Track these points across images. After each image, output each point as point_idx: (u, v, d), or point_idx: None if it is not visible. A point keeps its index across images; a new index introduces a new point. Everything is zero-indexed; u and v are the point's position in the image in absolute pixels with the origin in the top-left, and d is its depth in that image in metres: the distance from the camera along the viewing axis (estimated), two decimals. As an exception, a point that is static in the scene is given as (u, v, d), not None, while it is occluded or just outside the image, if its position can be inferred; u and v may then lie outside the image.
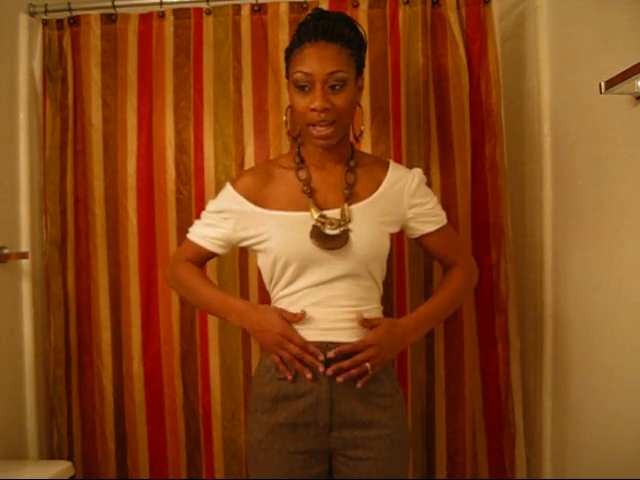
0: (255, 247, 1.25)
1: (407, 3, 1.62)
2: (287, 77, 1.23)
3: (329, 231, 1.18)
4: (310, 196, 1.22)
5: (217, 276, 1.68)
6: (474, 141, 1.63)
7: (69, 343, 1.76)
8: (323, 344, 1.18)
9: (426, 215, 1.29)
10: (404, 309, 1.64)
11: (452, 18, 1.61)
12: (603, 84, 1.12)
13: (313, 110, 1.14)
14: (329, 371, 1.14)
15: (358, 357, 1.15)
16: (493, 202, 1.64)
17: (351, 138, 1.29)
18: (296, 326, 1.20)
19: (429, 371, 1.67)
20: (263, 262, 1.25)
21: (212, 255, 1.31)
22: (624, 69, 1.04)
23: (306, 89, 1.15)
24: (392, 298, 1.63)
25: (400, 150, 1.63)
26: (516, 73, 1.75)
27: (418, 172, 1.29)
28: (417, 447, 1.67)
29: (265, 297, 1.60)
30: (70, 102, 1.74)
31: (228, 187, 1.27)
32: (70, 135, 1.75)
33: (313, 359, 1.16)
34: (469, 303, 1.64)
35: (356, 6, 1.63)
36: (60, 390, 1.75)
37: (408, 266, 1.64)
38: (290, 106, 1.23)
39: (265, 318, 1.20)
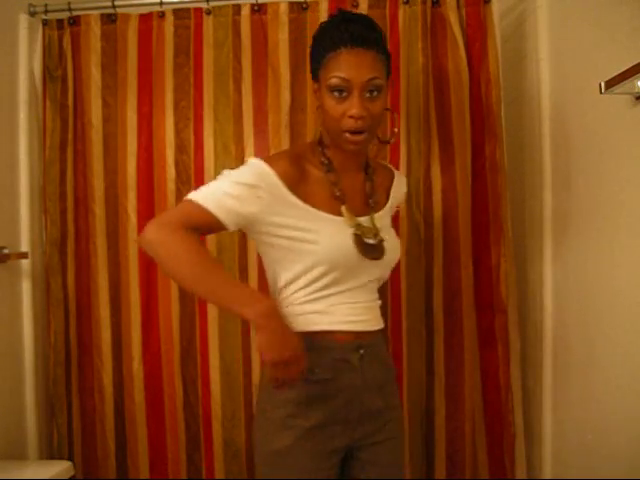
0: (278, 240, 1.14)
1: (407, 3, 1.62)
2: (315, 79, 1.20)
3: (369, 240, 1.16)
4: (343, 202, 1.18)
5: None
6: (474, 141, 1.63)
7: (69, 343, 1.76)
8: (349, 333, 1.17)
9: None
10: (399, 305, 1.64)
11: (452, 18, 1.61)
12: (603, 84, 1.12)
13: (351, 117, 1.12)
14: None
15: None
16: (493, 202, 1.64)
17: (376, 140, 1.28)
18: (321, 317, 1.16)
19: (429, 371, 1.67)
20: (287, 259, 1.15)
21: (219, 231, 1.13)
22: (624, 69, 1.05)
23: (343, 95, 1.13)
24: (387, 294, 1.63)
25: (400, 150, 1.63)
26: (516, 73, 1.75)
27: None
28: (417, 447, 1.67)
29: (265, 297, 1.61)
30: (70, 102, 1.74)
31: (261, 164, 1.12)
32: (70, 135, 1.75)
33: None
34: (469, 303, 1.64)
35: (356, 6, 1.63)
36: (60, 390, 1.75)
37: (407, 265, 1.64)
38: (319, 107, 1.19)
39: (287, 333, 1.08)
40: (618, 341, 1.27)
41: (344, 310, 1.17)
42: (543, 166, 1.60)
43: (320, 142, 1.23)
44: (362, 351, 1.17)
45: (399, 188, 1.33)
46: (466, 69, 1.61)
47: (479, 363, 1.66)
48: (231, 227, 1.11)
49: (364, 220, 1.19)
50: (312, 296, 1.16)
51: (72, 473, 1.60)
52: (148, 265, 1.72)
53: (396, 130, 1.30)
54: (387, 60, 1.18)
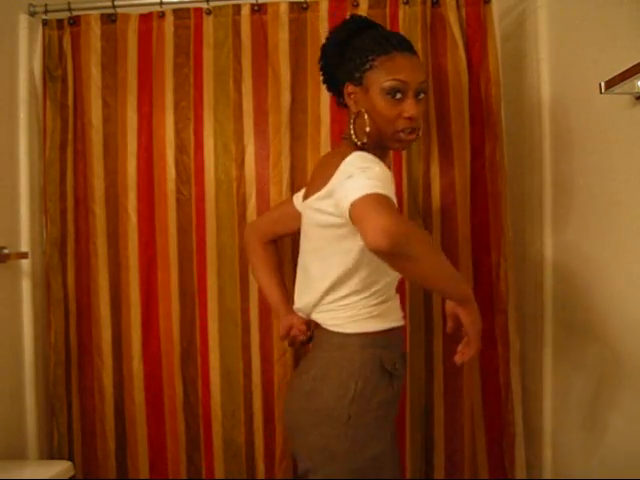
0: None
1: (407, 3, 1.62)
2: (356, 82, 1.20)
3: None
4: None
5: (217, 276, 1.68)
6: (474, 141, 1.63)
7: (69, 343, 1.76)
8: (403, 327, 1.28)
9: None
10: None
11: (452, 18, 1.61)
12: (603, 84, 1.12)
13: (408, 118, 1.16)
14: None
15: None
16: (493, 202, 1.64)
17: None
18: (395, 313, 1.25)
19: (428, 371, 1.67)
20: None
21: None
22: (624, 69, 1.05)
23: (397, 96, 1.16)
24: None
25: (400, 150, 1.63)
26: (516, 73, 1.75)
27: None
28: (416, 447, 1.67)
29: (264, 298, 1.61)
30: (70, 102, 1.74)
31: (378, 160, 1.09)
32: (70, 135, 1.75)
33: None
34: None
35: (356, 6, 1.63)
36: (60, 390, 1.75)
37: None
38: (359, 112, 1.19)
39: None
40: (618, 341, 1.27)
41: (398, 304, 1.26)
42: (543, 166, 1.61)
43: (360, 145, 1.19)
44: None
45: None
46: (466, 69, 1.61)
47: (479, 363, 1.66)
48: None
49: None
50: (388, 294, 1.21)
51: (72, 473, 1.60)
52: (148, 265, 1.72)
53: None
54: None
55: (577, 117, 1.45)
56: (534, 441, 1.68)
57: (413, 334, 1.64)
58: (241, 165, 1.68)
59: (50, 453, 1.78)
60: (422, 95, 1.19)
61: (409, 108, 1.15)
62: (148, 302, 1.73)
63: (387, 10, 1.63)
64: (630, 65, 1.03)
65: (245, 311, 1.68)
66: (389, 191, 1.01)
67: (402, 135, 1.18)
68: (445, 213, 1.65)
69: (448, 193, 1.64)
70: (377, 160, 1.09)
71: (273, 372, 1.67)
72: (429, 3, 1.62)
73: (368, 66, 1.18)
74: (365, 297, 1.18)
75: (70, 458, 1.74)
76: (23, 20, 1.73)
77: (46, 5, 1.74)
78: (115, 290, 1.74)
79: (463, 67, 1.61)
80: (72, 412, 1.77)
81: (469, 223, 1.63)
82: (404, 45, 1.19)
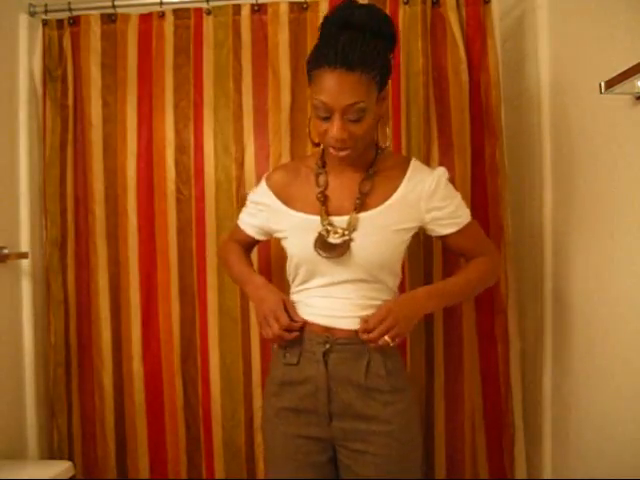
0: (281, 242, 1.32)
1: (407, 3, 1.62)
2: (309, 82, 1.18)
3: (332, 240, 1.19)
4: (323, 203, 1.23)
5: (217, 276, 1.68)
6: (474, 141, 1.63)
7: (69, 343, 1.76)
8: (318, 326, 1.24)
9: (445, 219, 1.25)
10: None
11: (452, 18, 1.61)
12: (603, 84, 1.12)
13: (331, 137, 1.13)
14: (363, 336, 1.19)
15: (376, 332, 1.17)
16: (493, 202, 1.63)
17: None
18: (300, 307, 1.28)
19: (429, 371, 1.67)
20: (287, 257, 1.31)
21: (256, 241, 1.42)
22: (624, 69, 1.05)
23: (323, 115, 1.13)
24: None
25: (400, 150, 1.63)
26: (516, 73, 1.75)
27: (439, 174, 1.24)
28: (417, 447, 1.67)
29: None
30: (70, 102, 1.74)
31: (263, 181, 1.34)
32: (70, 135, 1.75)
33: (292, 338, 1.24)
34: (468, 303, 1.64)
35: (356, 6, 1.63)
36: (60, 390, 1.75)
37: (408, 266, 1.64)
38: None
39: (266, 295, 1.29)
40: (619, 341, 1.27)
41: (316, 303, 1.25)
42: (543, 166, 1.60)
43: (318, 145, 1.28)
44: (328, 346, 1.21)
45: (416, 183, 1.23)
46: (466, 69, 1.61)
47: (479, 363, 1.66)
48: (258, 237, 1.39)
49: (341, 219, 1.21)
50: (296, 288, 1.30)
51: (72, 473, 1.60)
52: (148, 265, 1.72)
53: (388, 144, 1.29)
54: (379, 74, 1.13)
55: (577, 117, 1.45)
56: (534, 441, 1.68)
57: (414, 333, 1.64)
58: (241, 165, 1.69)
59: (50, 453, 1.78)
60: (357, 117, 1.10)
61: (331, 129, 1.12)
62: (148, 302, 1.73)
63: (387, 10, 1.63)
64: (630, 65, 1.03)
65: (245, 310, 1.68)
66: (246, 215, 1.39)
67: (332, 150, 1.17)
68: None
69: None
70: (259, 184, 1.36)
71: (273, 372, 1.67)
72: (429, 3, 1.62)
73: (310, 76, 1.16)
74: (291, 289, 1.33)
75: (70, 458, 1.74)
76: (23, 20, 1.73)
77: (46, 5, 1.74)
78: (115, 290, 1.74)
79: (463, 67, 1.61)
80: (72, 412, 1.77)
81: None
82: (339, 61, 1.07)
